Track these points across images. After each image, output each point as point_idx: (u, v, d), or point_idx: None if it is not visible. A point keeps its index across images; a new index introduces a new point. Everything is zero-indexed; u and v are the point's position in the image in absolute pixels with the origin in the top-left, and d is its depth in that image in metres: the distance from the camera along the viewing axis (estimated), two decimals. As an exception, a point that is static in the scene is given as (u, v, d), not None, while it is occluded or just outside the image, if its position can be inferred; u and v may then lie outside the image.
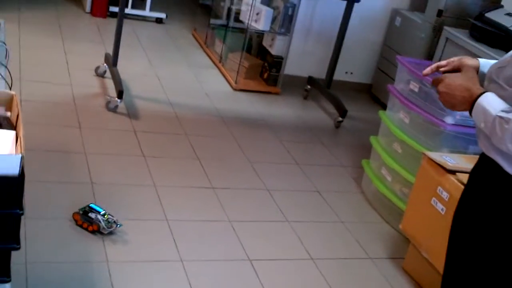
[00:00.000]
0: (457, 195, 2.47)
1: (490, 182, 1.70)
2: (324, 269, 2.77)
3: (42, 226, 2.60)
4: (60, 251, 2.49)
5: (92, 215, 2.66)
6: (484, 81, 1.73)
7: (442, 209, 2.61)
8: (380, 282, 2.79)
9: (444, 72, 1.79)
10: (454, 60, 1.80)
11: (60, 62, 4.41)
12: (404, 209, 2.96)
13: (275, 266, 2.73)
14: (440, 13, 4.41)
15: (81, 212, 2.68)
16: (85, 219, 2.65)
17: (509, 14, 3.78)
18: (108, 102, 3.85)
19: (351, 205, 3.40)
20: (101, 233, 2.63)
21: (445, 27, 4.24)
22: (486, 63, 1.80)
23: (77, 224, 2.66)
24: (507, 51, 2.15)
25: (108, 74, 4.24)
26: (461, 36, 4.05)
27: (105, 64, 4.28)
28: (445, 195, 2.61)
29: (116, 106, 3.84)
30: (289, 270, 2.73)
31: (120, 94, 3.83)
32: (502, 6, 3.97)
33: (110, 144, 3.44)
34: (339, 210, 3.31)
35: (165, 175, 3.24)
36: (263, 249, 2.83)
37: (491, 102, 1.58)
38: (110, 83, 4.13)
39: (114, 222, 2.67)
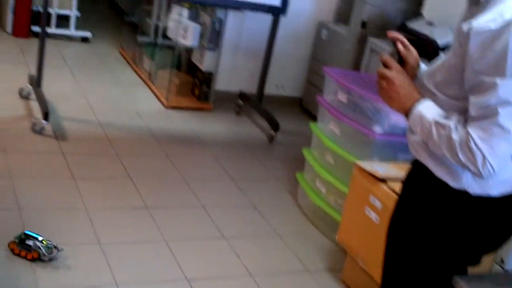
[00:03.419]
0: (389, 203, 2.53)
1: (422, 188, 1.73)
2: (263, 285, 2.75)
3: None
4: (-13, 283, 2.37)
5: (30, 242, 2.53)
6: None
7: (375, 218, 2.65)
8: (319, 294, 2.80)
9: (399, 49, 1.79)
10: (412, 54, 1.80)
11: (-19, 85, 4.24)
12: (340, 220, 2.99)
13: (214, 285, 2.69)
14: (364, 24, 4.51)
15: (17, 240, 2.55)
16: (23, 247, 2.52)
17: (429, 23, 3.91)
18: (33, 124, 3.72)
19: (287, 219, 3.41)
20: (42, 260, 2.52)
21: (370, 38, 4.34)
22: (424, 70, 1.83)
23: (14, 254, 2.53)
24: (429, 59, 2.21)
25: (33, 95, 4.10)
26: (385, 46, 4.15)
27: (29, 86, 4.14)
28: (377, 203, 2.65)
29: (43, 128, 3.71)
30: None
31: (45, 116, 3.71)
32: (422, 16, 4.10)
33: (37, 168, 3.32)
34: (276, 224, 3.31)
35: (97, 197, 3.15)
36: (201, 267, 2.78)
37: (428, 108, 1.61)
38: (35, 105, 3.99)
39: (55, 247, 2.56)
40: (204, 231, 3.09)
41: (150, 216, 3.09)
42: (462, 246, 1.72)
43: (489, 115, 1.49)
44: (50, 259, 2.54)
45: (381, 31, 4.46)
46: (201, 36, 4.65)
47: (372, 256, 2.62)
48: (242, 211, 3.38)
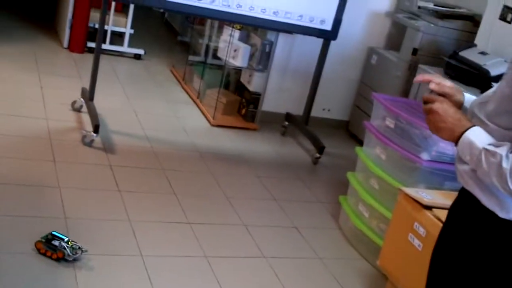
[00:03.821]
0: (434, 231, 2.49)
1: (469, 217, 1.69)
2: (301, 306, 2.74)
3: (12, 261, 2.54)
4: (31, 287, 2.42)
5: (56, 242, 2.61)
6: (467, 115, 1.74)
7: (419, 245, 2.61)
8: (358, 319, 2.76)
9: (432, 88, 1.76)
10: (446, 85, 1.77)
11: (36, 96, 4.37)
12: (382, 245, 2.95)
13: (252, 303, 2.69)
14: (415, 51, 4.48)
15: (43, 240, 2.63)
16: (49, 247, 2.60)
17: (482, 53, 3.86)
18: (84, 137, 3.82)
19: (328, 242, 3.38)
20: (66, 261, 2.59)
21: (420, 65, 4.30)
22: (469, 98, 1.81)
23: (40, 253, 2.61)
24: (481, 89, 2.18)
25: (84, 108, 4.21)
26: (435, 74, 4.11)
27: (81, 99, 4.25)
28: (421, 231, 2.60)
29: (92, 141, 3.80)
30: (266, 307, 2.69)
31: (96, 129, 3.80)
32: (475, 45, 4.05)
33: (85, 179, 3.39)
34: (317, 246, 3.28)
35: (141, 210, 3.20)
36: (239, 285, 2.78)
37: (478, 135, 1.59)
38: (86, 118, 4.10)
39: (79, 248, 2.63)
40: (244, 249, 3.09)
41: (191, 231, 3.11)
42: (508, 279, 1.68)
43: None
44: (74, 260, 2.61)
45: (432, 58, 4.43)
46: (251, 57, 4.70)
47: (413, 283, 2.57)
48: (283, 231, 3.37)
